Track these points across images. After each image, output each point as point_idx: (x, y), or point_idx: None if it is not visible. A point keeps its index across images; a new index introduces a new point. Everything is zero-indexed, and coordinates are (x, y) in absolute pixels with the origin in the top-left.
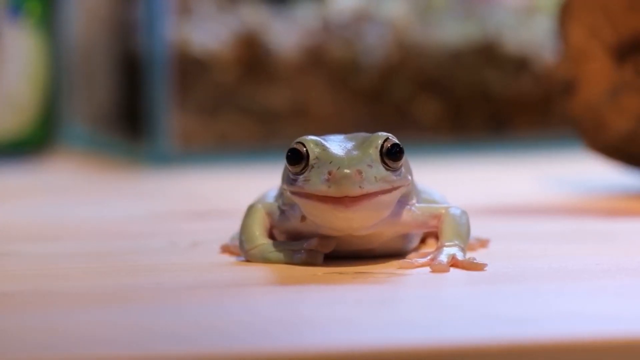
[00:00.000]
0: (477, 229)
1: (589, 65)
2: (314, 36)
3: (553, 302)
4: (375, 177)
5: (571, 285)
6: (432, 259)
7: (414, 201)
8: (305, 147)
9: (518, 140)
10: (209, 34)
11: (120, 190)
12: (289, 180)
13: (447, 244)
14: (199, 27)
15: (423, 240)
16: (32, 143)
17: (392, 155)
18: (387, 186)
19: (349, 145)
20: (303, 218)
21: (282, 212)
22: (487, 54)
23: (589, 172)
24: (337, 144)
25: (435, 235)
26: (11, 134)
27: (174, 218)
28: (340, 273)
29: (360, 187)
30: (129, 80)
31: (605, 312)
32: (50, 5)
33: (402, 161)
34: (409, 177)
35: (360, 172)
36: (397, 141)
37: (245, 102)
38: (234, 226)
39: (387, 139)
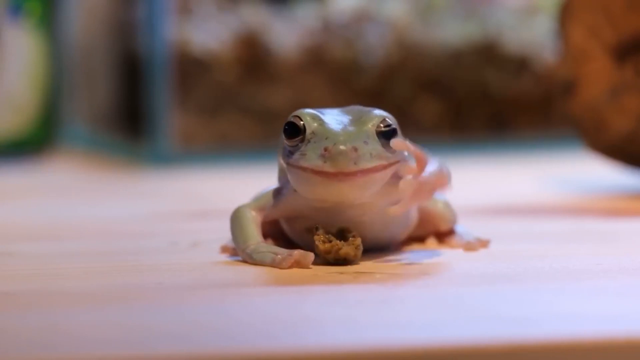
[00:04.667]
0: (478, 229)
1: (589, 65)
2: (314, 36)
3: (553, 302)
4: (370, 153)
5: (572, 286)
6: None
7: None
8: (302, 120)
9: (519, 140)
10: (209, 34)
11: (120, 190)
12: (286, 153)
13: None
14: (199, 27)
15: (423, 240)
16: (32, 143)
17: (387, 134)
18: (382, 162)
19: (345, 120)
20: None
21: (278, 192)
22: (488, 54)
23: (590, 172)
24: (333, 118)
25: (436, 236)
26: (11, 134)
27: (174, 218)
28: (341, 273)
29: (355, 163)
30: (130, 80)
31: (606, 313)
32: (50, 5)
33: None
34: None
35: (355, 149)
36: (391, 122)
37: (245, 102)
38: None
39: (383, 119)
